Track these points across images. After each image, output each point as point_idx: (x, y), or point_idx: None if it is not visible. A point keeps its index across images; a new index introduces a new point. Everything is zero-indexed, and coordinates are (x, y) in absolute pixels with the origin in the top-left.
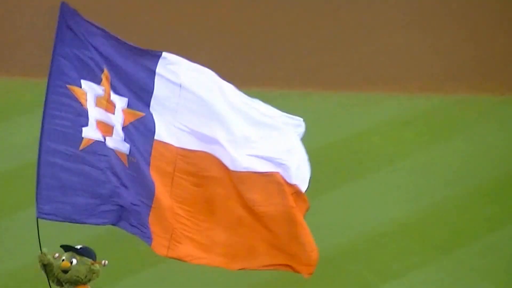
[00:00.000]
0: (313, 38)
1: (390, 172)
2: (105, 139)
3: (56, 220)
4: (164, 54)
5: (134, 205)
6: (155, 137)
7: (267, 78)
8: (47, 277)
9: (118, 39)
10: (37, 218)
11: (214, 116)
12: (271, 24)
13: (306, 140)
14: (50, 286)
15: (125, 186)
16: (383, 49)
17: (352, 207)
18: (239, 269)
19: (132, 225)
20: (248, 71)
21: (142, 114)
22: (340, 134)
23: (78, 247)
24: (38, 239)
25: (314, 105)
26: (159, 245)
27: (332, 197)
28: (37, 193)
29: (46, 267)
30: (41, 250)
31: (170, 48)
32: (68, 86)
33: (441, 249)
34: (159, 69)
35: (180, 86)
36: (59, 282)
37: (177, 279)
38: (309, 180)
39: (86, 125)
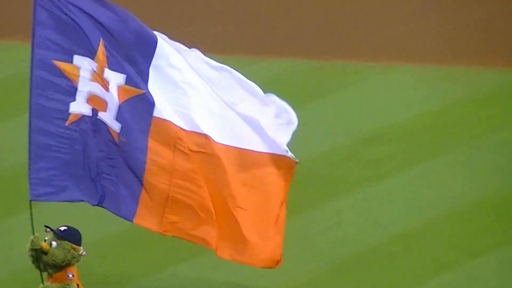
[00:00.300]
0: (395, 10)
1: (473, 148)
2: (97, 113)
3: (50, 201)
4: (159, 38)
5: (120, 183)
6: (154, 114)
7: (351, 51)
8: (36, 263)
9: (119, 10)
10: (30, 201)
11: (212, 96)
12: None
13: (389, 114)
14: (41, 272)
15: (114, 163)
16: (469, 22)
17: (434, 183)
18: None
19: (115, 204)
20: (338, 43)
21: (142, 91)
22: (423, 108)
23: (62, 228)
24: (31, 224)
25: (398, 78)
26: (147, 220)
27: (411, 174)
28: (29, 176)
29: (37, 252)
30: (33, 233)
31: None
32: (55, 62)
33: None
34: (157, 49)
35: (177, 68)
36: (45, 266)
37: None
38: (393, 157)
39: (74, 99)
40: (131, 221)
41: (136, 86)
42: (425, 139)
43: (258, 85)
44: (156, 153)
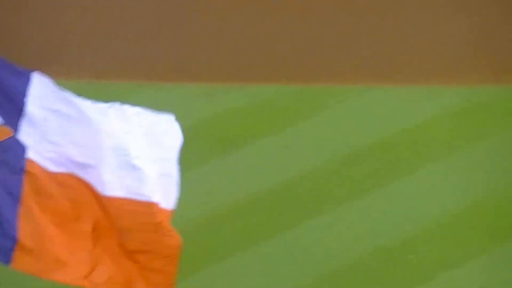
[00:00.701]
0: (370, 31)
1: (450, 163)
2: None
3: None
4: (35, 75)
5: None
6: (26, 156)
7: (330, 74)
8: None
9: None
10: None
11: (85, 140)
12: (323, 19)
13: (368, 133)
14: None
15: None
16: (440, 41)
17: (412, 199)
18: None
19: None
20: (317, 67)
21: (11, 133)
22: (400, 126)
23: None
24: None
25: (376, 99)
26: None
27: (392, 189)
28: None
29: None
30: None
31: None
32: None
33: (497, 238)
34: (31, 89)
35: (50, 109)
36: None
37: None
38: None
39: None
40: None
41: (9, 126)
42: (404, 156)
43: (228, 111)
44: (28, 196)
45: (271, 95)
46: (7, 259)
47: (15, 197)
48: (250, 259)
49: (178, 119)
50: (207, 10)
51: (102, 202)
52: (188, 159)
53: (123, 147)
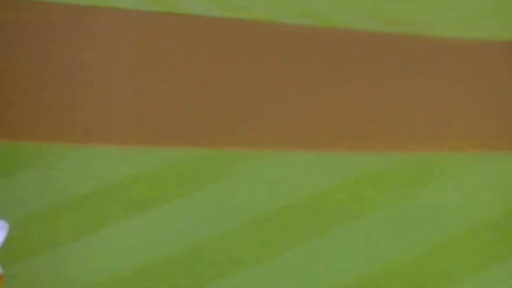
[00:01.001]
0: (278, 99)
1: (356, 229)
2: None
3: None
4: None
5: None
6: None
7: (238, 139)
8: None
9: None
10: None
11: None
12: (235, 83)
13: (272, 198)
14: None
15: None
16: (346, 107)
17: (317, 265)
18: None
19: None
20: (225, 131)
21: None
22: (307, 191)
23: None
24: None
25: (283, 164)
26: None
27: (297, 255)
28: None
29: None
30: None
31: None
32: None
33: None
34: None
35: None
36: None
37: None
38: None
39: None
40: None
41: None
42: (311, 221)
43: (139, 174)
44: None
45: (180, 158)
46: None
47: None
48: None
49: (89, 180)
50: (115, 74)
51: None
52: (99, 220)
53: None
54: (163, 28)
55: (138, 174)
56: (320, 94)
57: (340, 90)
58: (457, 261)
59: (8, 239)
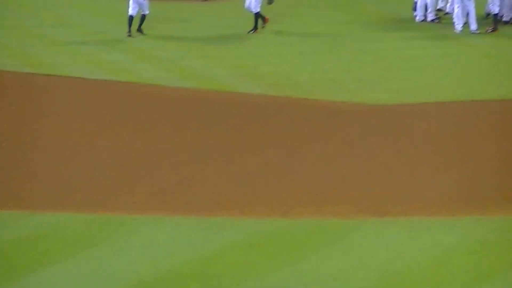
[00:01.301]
0: (159, 164)
1: None
2: None
3: None
4: None
5: None
6: None
7: (119, 204)
8: None
9: None
10: None
11: None
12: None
13: (152, 265)
14: None
15: None
16: (228, 173)
17: None
18: None
19: None
20: (106, 197)
21: None
22: (186, 259)
23: None
24: None
25: (165, 229)
26: None
27: None
28: None
29: None
30: None
31: None
32: None
33: None
34: None
35: None
36: None
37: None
38: None
39: None
40: None
41: None
42: (195, 286)
43: (17, 239)
44: None
45: (59, 223)
46: None
47: None
48: None
49: None
50: None
51: None
52: None
53: None
54: None
55: (15, 238)
56: (202, 160)
57: (222, 155)
58: None
59: None
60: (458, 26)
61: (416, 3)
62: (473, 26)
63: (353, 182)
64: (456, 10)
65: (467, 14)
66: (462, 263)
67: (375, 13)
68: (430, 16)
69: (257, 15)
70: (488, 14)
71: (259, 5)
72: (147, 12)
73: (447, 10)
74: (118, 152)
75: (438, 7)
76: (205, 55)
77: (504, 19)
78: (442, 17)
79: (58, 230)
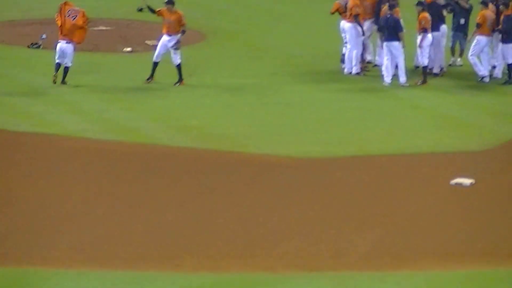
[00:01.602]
0: (84, 217)
1: None
2: None
3: None
4: None
5: None
6: None
7: (43, 258)
8: None
9: None
10: None
11: None
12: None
13: None
14: None
15: None
16: (154, 226)
17: None
18: None
19: None
20: (31, 249)
21: None
22: None
23: None
24: None
25: (89, 284)
26: None
27: None
28: None
29: None
30: None
31: None
32: None
33: None
34: None
35: None
36: None
37: None
38: None
39: None
40: None
41: None
42: None
43: None
44: None
45: None
46: None
47: None
48: None
49: None
50: None
51: None
52: None
53: None
54: None
55: None
56: (127, 213)
57: (147, 208)
58: None
59: None
60: (387, 78)
61: (344, 55)
62: (402, 78)
63: (281, 236)
64: (385, 62)
65: (396, 66)
66: None
67: (302, 65)
68: (355, 69)
69: (180, 67)
70: (417, 67)
71: (179, 56)
72: (69, 64)
73: (376, 62)
74: (40, 205)
75: (367, 60)
76: (130, 107)
77: (434, 71)
78: (370, 69)
79: None
